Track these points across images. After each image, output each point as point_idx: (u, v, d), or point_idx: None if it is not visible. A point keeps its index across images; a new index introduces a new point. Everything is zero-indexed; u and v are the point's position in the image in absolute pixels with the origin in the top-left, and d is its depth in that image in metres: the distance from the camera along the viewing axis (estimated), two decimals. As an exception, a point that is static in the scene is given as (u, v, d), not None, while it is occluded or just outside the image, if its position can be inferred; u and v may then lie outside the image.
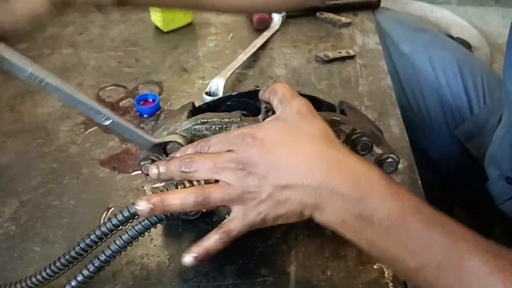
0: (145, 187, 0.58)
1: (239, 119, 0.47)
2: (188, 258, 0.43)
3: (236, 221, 0.43)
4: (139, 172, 0.60)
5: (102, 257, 0.44)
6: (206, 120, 0.47)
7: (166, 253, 0.51)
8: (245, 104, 0.52)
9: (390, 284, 0.48)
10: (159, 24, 0.87)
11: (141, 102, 0.70)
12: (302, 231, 0.53)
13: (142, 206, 0.42)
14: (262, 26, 0.87)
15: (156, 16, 0.86)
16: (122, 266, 0.50)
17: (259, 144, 0.41)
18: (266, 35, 0.84)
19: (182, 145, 0.47)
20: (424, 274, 0.37)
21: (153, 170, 0.46)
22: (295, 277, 0.48)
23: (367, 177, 0.40)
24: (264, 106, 0.46)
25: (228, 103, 0.52)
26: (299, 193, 0.40)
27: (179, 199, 0.42)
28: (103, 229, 0.44)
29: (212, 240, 0.43)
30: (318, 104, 0.52)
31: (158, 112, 0.69)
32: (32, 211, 0.56)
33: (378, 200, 0.39)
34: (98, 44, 0.85)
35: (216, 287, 0.48)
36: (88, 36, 0.87)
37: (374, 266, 0.49)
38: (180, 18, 0.87)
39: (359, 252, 0.50)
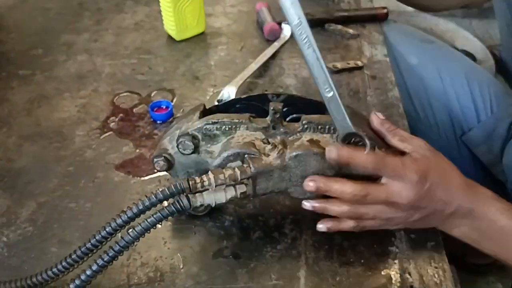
0: None
1: (248, 120, 0.49)
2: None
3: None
4: (153, 176, 0.62)
5: (116, 248, 0.46)
6: (216, 121, 0.49)
7: (179, 256, 0.52)
8: (254, 107, 0.54)
9: (398, 290, 0.49)
10: (172, 33, 0.89)
11: (155, 109, 0.72)
12: (312, 237, 0.54)
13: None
14: (272, 36, 0.89)
15: (169, 25, 0.88)
16: (137, 268, 0.51)
17: (428, 185, 0.47)
18: (276, 45, 0.86)
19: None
20: None
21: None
22: (305, 281, 0.50)
23: (481, 194, 0.50)
24: (272, 108, 0.48)
25: (237, 105, 0.54)
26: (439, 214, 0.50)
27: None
28: (119, 221, 0.46)
29: (347, 226, 0.50)
30: (322, 109, 0.54)
31: (171, 119, 0.71)
32: (49, 212, 0.57)
33: (490, 211, 0.49)
34: (112, 51, 0.87)
35: (228, 290, 0.49)
36: (102, 43, 0.89)
37: (382, 273, 0.51)
38: (193, 27, 0.89)
39: (368, 259, 0.52)
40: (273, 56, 0.85)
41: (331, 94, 0.47)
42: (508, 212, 0.49)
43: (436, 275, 0.50)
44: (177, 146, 0.50)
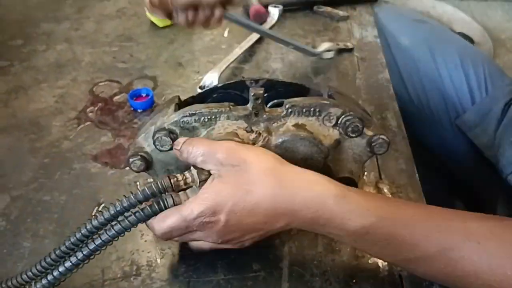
0: (138, 182, 0.57)
1: (228, 108, 0.46)
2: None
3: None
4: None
5: (85, 251, 0.43)
6: (194, 112, 0.46)
7: (157, 248, 0.50)
8: (232, 96, 0.50)
9: (386, 278, 0.47)
10: (155, 20, 0.86)
11: (135, 97, 0.69)
12: (296, 226, 0.52)
13: None
14: (259, 19, 0.86)
15: (152, 11, 0.85)
16: (112, 262, 0.49)
17: (222, 220, 0.41)
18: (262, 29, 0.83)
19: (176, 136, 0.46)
20: (397, 264, 0.44)
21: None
22: (288, 271, 0.47)
23: (323, 203, 0.41)
24: (253, 94, 0.45)
25: (215, 95, 0.51)
26: (274, 231, 0.43)
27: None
28: (94, 223, 0.43)
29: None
30: (304, 91, 0.51)
31: (153, 107, 0.69)
32: (23, 206, 0.55)
33: (338, 224, 0.41)
34: (93, 39, 0.84)
35: (207, 283, 0.47)
36: (83, 32, 0.87)
37: (369, 261, 0.48)
38: (176, 12, 0.86)
39: (354, 247, 0.49)
40: (260, 40, 0.82)
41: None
42: (357, 214, 0.41)
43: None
44: (154, 143, 0.46)
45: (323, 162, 0.47)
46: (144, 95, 0.70)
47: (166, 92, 0.72)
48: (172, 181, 0.43)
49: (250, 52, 0.80)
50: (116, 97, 0.71)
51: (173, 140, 0.46)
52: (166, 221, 0.42)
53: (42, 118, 0.67)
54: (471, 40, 1.62)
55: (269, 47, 0.82)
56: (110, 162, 0.60)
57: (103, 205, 0.55)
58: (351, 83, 0.73)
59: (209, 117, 0.46)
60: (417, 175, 0.57)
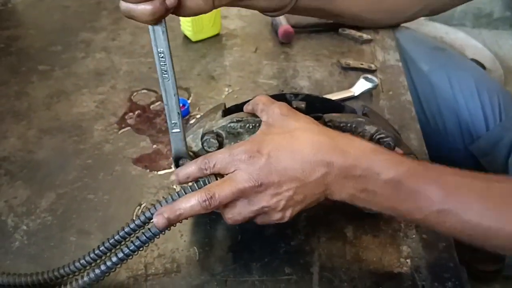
0: (175, 186, 0.61)
1: None
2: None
3: (239, 207, 0.46)
4: (169, 170, 0.63)
5: (148, 233, 0.46)
6: (241, 119, 0.50)
7: (195, 249, 0.54)
8: None
9: (410, 287, 0.50)
10: (189, 34, 0.91)
11: (171, 106, 0.73)
12: (325, 234, 0.55)
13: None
14: (287, 40, 0.90)
15: (186, 26, 0.90)
16: (154, 259, 0.52)
17: (265, 156, 0.44)
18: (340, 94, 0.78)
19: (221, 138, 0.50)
20: (429, 222, 0.44)
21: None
22: (318, 276, 0.51)
23: (362, 155, 0.44)
24: (295, 106, 0.50)
25: None
26: (310, 188, 0.45)
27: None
28: (137, 222, 0.47)
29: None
30: (339, 108, 0.55)
31: (187, 117, 0.73)
32: (68, 203, 0.59)
33: (375, 172, 0.43)
34: (129, 50, 0.89)
35: (242, 283, 0.50)
36: (120, 42, 0.91)
37: (394, 271, 0.52)
38: (209, 28, 0.91)
39: (380, 257, 0.53)
40: (287, 59, 0.87)
41: (177, 130, 0.49)
42: (391, 163, 0.44)
43: (447, 275, 0.51)
44: (202, 144, 0.51)
45: None
46: (181, 105, 0.74)
47: (200, 103, 0.76)
48: (218, 177, 0.47)
49: (279, 69, 0.84)
50: (153, 105, 0.75)
51: (220, 142, 0.51)
52: (215, 153, 0.47)
53: (84, 122, 0.72)
54: (483, 67, 1.67)
55: (296, 65, 0.86)
56: (150, 166, 0.64)
57: (143, 205, 0.58)
58: (375, 103, 0.77)
59: (253, 124, 0.50)
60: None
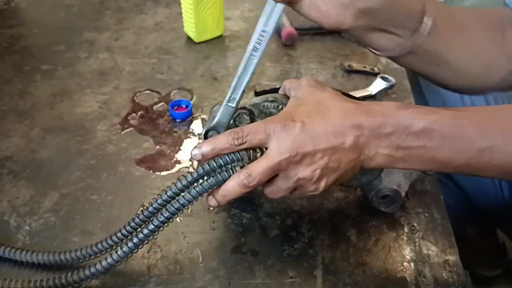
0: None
1: None
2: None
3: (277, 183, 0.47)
4: (172, 171, 0.63)
5: (161, 217, 0.47)
6: (275, 99, 0.51)
7: (198, 250, 0.53)
8: None
9: (413, 292, 0.50)
10: (192, 35, 0.91)
11: (175, 107, 0.73)
12: (328, 238, 0.55)
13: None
14: (290, 42, 0.90)
15: (189, 27, 0.90)
16: (157, 260, 0.52)
17: (299, 124, 0.45)
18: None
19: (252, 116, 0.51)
20: (473, 165, 0.44)
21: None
22: (322, 280, 0.51)
23: (389, 112, 0.45)
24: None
25: None
26: (344, 154, 0.45)
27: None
28: (174, 189, 0.47)
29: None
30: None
31: (190, 118, 0.73)
32: (72, 203, 0.59)
33: (405, 126, 0.44)
34: (133, 50, 0.89)
35: (246, 285, 0.50)
36: (123, 42, 0.91)
37: (398, 275, 0.52)
38: (212, 30, 0.91)
39: (384, 260, 0.53)
40: (290, 61, 0.87)
41: (232, 105, 0.50)
42: (419, 114, 0.44)
43: (450, 279, 0.51)
44: (234, 120, 0.51)
45: (378, 172, 0.53)
46: (184, 106, 0.74)
47: (203, 104, 0.76)
48: (249, 151, 0.47)
49: (282, 72, 0.84)
50: (156, 106, 0.75)
51: (251, 120, 0.52)
52: (248, 125, 0.47)
53: (87, 122, 0.71)
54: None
55: (300, 67, 0.86)
56: (153, 167, 0.64)
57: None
58: (378, 107, 0.77)
59: (286, 104, 0.50)
60: (442, 197, 0.61)
